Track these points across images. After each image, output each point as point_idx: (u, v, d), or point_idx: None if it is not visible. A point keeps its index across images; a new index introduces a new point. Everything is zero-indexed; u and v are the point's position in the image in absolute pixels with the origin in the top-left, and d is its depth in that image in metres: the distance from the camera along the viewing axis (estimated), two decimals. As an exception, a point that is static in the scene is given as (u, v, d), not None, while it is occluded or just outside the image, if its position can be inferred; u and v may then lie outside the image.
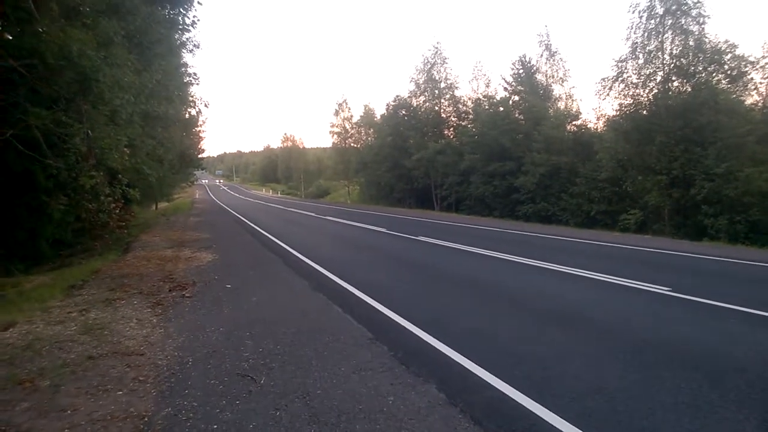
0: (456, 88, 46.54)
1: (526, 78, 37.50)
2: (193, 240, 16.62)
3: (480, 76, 45.55)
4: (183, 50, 21.81)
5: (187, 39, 20.92)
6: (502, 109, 36.88)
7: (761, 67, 22.97)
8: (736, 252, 13.85)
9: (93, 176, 12.06)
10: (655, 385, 4.35)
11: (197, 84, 24.97)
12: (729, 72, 23.41)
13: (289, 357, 5.18)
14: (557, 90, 38.29)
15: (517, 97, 37.43)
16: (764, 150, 21.02)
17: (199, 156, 43.95)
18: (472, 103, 44.00)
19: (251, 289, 8.65)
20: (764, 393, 4.19)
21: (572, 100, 37.66)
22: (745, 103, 24.07)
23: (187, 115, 29.78)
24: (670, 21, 24.46)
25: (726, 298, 7.43)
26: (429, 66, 46.43)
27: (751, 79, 23.53)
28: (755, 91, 24.05)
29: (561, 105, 37.06)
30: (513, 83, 38.28)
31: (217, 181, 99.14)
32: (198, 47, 22.16)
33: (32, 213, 13.22)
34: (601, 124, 30.91)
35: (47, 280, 10.29)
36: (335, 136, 64.69)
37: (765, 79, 23.36)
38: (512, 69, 38.48)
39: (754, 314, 6.66)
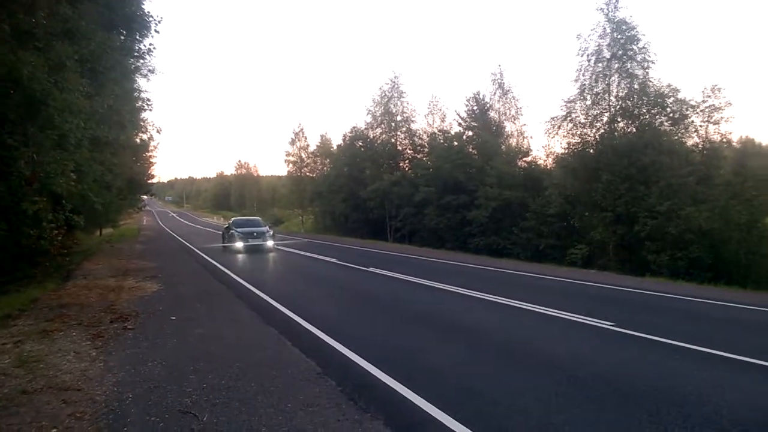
0: (412, 121, 47.38)
1: (479, 114, 38.64)
2: (138, 269, 16.14)
3: (436, 110, 46.48)
4: (137, 75, 21.43)
5: (141, 64, 20.59)
6: (456, 143, 37.77)
7: (701, 110, 24.26)
8: (677, 288, 14.33)
9: (36, 201, 11.65)
10: (598, 419, 4.46)
11: (150, 110, 24.55)
12: (671, 115, 24.78)
13: (234, 392, 5.07)
14: (509, 127, 39.74)
15: (470, 133, 38.43)
16: (704, 190, 22.19)
17: (149, 182, 43.04)
18: (428, 136, 44.81)
19: (197, 321, 8.44)
20: (702, 428, 4.33)
21: (523, 137, 39.12)
22: (686, 144, 25.36)
23: (138, 140, 29.14)
24: (616, 65, 25.78)
25: (668, 334, 7.66)
26: (386, 99, 47.08)
27: (692, 122, 24.85)
28: (695, 133, 25.29)
29: (513, 141, 38.34)
30: (467, 119, 39.39)
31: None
32: (153, 72, 21.84)
33: (-32, 238, 12.60)
34: (550, 161, 31.93)
35: (-20, 309, 9.78)
36: (291, 164, 64.35)
37: (705, 122, 24.62)
38: (466, 105, 39.73)
39: (695, 350, 6.87)
